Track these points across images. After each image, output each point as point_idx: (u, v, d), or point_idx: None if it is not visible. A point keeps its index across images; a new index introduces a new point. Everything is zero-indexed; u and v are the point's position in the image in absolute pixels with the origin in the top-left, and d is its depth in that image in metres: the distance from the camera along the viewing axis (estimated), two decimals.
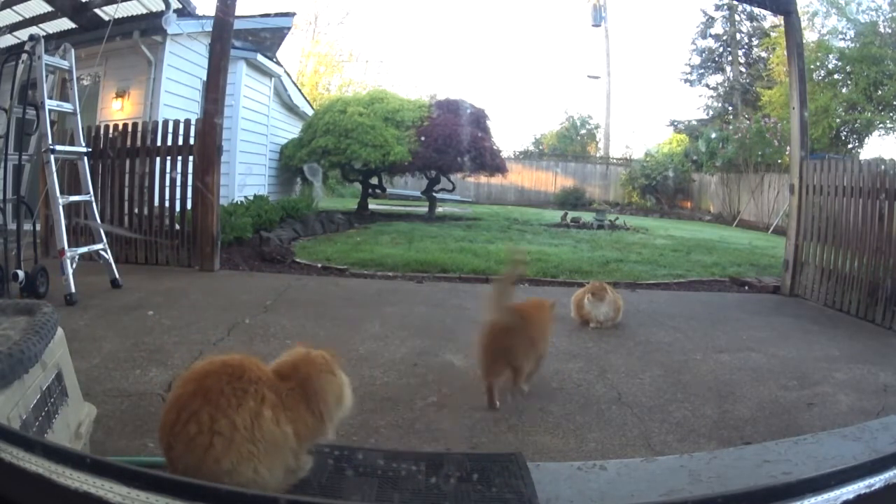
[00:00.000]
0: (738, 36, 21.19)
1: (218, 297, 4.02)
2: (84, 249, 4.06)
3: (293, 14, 10.65)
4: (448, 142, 9.93)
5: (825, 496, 0.66)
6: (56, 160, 3.86)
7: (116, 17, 6.80)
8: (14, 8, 6.64)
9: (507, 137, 39.86)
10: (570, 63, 45.89)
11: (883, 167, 4.20)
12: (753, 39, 20.85)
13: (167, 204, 5.15)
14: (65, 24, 7.26)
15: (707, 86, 22.16)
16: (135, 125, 5.26)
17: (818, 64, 14.18)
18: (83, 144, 4.25)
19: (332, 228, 8.42)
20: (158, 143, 5.14)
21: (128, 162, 5.18)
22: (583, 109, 28.19)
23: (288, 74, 11.03)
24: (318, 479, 1.53)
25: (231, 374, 1.33)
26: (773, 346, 3.40)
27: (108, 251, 4.15)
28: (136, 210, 5.19)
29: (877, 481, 0.67)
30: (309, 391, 1.42)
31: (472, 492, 1.55)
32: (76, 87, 4.14)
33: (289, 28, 10.92)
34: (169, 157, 5.13)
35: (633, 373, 2.83)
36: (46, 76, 3.77)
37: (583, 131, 22.85)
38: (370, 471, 1.62)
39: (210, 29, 5.39)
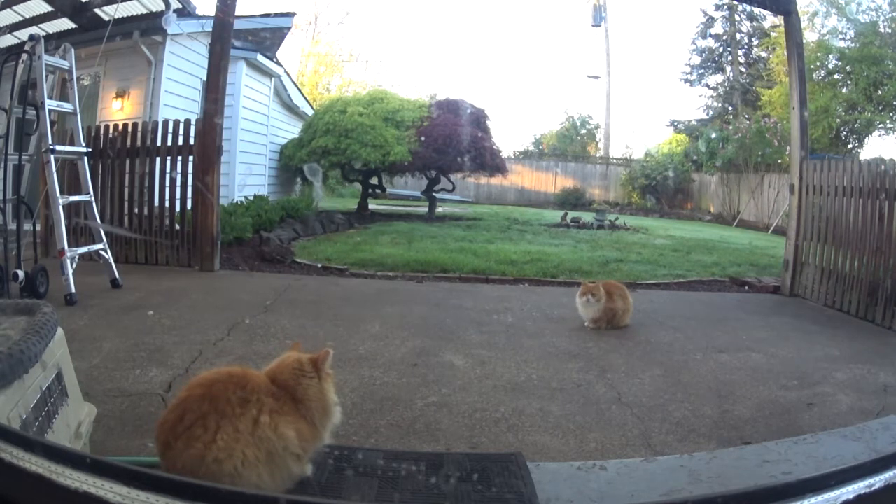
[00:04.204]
0: (738, 36, 21.20)
1: (218, 297, 4.02)
2: (84, 249, 4.07)
3: (293, 14, 10.67)
4: (448, 142, 9.94)
5: (825, 496, 0.66)
6: (56, 160, 3.86)
7: (116, 17, 6.81)
8: (14, 8, 6.65)
9: (507, 137, 40.02)
10: (570, 63, 46.06)
11: (883, 167, 4.20)
12: (753, 39, 20.86)
13: (167, 204, 5.15)
14: (65, 24, 7.27)
15: (707, 86, 22.21)
16: (135, 125, 5.26)
17: (818, 64, 14.18)
18: (83, 144, 4.25)
19: (332, 228, 8.42)
20: (158, 143, 5.13)
21: (128, 162, 5.18)
22: (583, 109, 28.33)
23: (288, 74, 11.03)
24: (318, 479, 1.53)
25: (236, 384, 1.37)
26: (773, 346, 3.40)
27: (108, 251, 4.15)
28: (136, 210, 5.19)
29: (877, 481, 0.67)
30: (294, 398, 1.43)
31: (472, 492, 1.55)
32: (76, 87, 4.14)
33: (289, 28, 10.93)
34: (169, 157, 5.13)
35: (633, 373, 2.83)
36: (46, 76, 3.76)
37: (583, 131, 22.87)
38: (370, 471, 1.62)
39: (210, 29, 5.39)
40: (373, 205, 11.91)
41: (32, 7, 6.75)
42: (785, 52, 5.85)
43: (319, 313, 3.71)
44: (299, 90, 12.76)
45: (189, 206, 5.08)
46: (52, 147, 3.81)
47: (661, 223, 12.74)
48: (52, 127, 3.91)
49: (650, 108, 46.72)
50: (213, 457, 1.26)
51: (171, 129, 5.11)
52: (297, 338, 3.12)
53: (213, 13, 5.26)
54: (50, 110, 3.82)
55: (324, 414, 1.46)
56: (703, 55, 21.94)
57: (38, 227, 4.23)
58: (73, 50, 4.05)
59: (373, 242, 6.99)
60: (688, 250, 7.57)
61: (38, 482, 0.64)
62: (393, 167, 10.15)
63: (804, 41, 7.79)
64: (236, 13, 5.20)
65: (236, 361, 2.47)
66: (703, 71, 22.08)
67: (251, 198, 7.40)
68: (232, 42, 5.46)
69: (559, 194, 17.78)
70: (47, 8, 6.89)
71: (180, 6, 7.43)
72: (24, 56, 3.69)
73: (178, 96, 7.48)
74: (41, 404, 1.31)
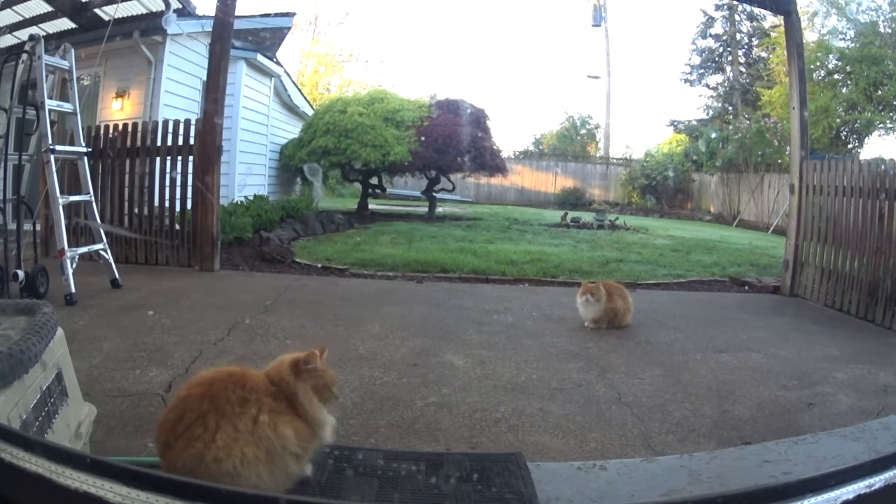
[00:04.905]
0: (738, 36, 21.19)
1: (218, 297, 4.02)
2: (84, 249, 4.06)
3: (293, 14, 10.67)
4: (448, 142, 9.94)
5: (825, 496, 0.66)
6: (56, 160, 3.86)
7: (116, 17, 6.81)
8: (14, 8, 6.64)
9: (507, 137, 40.02)
10: (570, 63, 46.08)
11: (883, 167, 4.20)
12: (753, 39, 20.86)
13: (167, 204, 5.15)
14: (65, 24, 7.27)
15: (707, 86, 22.21)
16: (135, 125, 5.26)
17: (818, 64, 14.18)
18: (83, 144, 4.25)
19: (332, 228, 8.42)
20: (158, 143, 5.13)
21: (128, 162, 5.18)
22: (583, 109, 28.33)
23: (288, 74, 11.03)
24: (318, 479, 1.53)
25: (236, 383, 1.37)
26: (773, 346, 3.40)
27: (108, 251, 4.15)
28: (136, 210, 5.19)
29: (877, 481, 0.67)
30: (289, 397, 1.43)
31: (472, 492, 1.55)
32: (76, 87, 4.14)
33: (289, 28, 10.93)
34: (169, 157, 5.13)
35: (633, 373, 2.83)
36: (46, 76, 3.76)
37: (583, 131, 22.86)
38: (370, 471, 1.62)
39: (210, 29, 5.39)
40: (373, 205, 11.91)
41: (32, 7, 6.75)
42: (785, 52, 5.85)
43: (319, 313, 3.71)
44: (299, 90, 12.76)
45: (189, 206, 5.08)
46: (52, 147, 3.80)
47: (661, 223, 12.74)
48: (52, 127, 3.91)
49: (650, 108, 46.79)
50: (212, 456, 1.26)
51: (171, 129, 5.11)
52: (297, 338, 3.12)
53: (213, 13, 5.27)
54: (50, 110, 3.82)
55: (307, 415, 1.43)
56: (703, 55, 21.94)
57: (38, 227, 4.23)
58: (73, 50, 4.05)
59: (373, 242, 6.99)
60: (688, 250, 7.57)
61: (38, 482, 0.64)
62: (393, 167, 10.15)
63: (804, 41, 7.79)
64: (236, 13, 5.20)
65: (236, 361, 2.47)
66: (703, 71, 22.08)
67: (251, 198, 7.40)
68: (232, 42, 5.46)
69: (559, 194, 17.77)
70: (47, 8, 6.89)
71: (180, 6, 7.43)
72: (24, 56, 3.69)
73: (178, 96, 7.48)
74: (41, 404, 1.31)
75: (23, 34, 5.77)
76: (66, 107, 4.10)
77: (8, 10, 6.56)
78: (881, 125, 13.91)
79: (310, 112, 12.23)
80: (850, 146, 14.19)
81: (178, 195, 5.14)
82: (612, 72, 21.26)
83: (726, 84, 21.60)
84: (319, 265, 5.50)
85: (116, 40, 6.38)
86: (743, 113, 19.19)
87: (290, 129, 11.68)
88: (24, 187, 3.89)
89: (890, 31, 13.82)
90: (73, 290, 3.60)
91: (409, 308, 3.97)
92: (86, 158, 4.20)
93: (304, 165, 10.36)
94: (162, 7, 7.13)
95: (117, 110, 7.22)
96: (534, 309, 4.11)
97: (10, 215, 3.69)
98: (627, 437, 2.12)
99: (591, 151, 21.93)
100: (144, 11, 7.24)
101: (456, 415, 2.25)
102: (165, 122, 5.17)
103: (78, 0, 6.85)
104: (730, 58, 21.34)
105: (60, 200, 3.81)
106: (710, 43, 21.84)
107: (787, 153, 11.93)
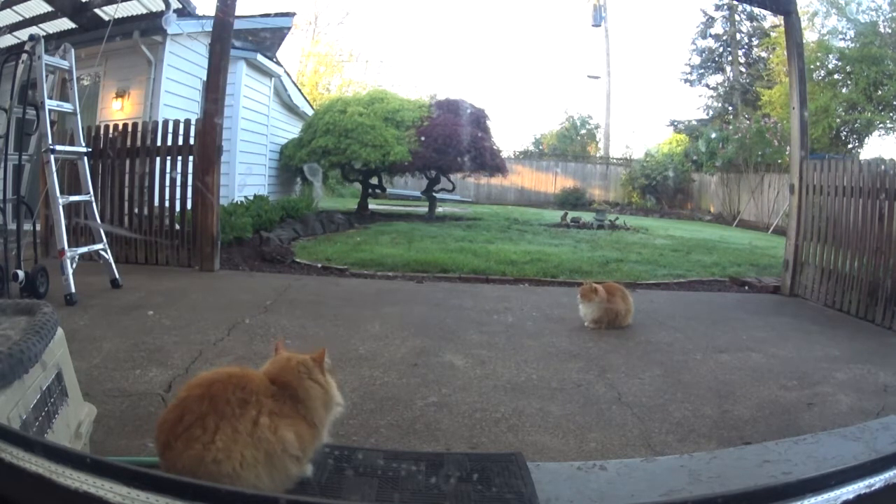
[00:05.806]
0: (738, 36, 21.20)
1: (218, 297, 4.02)
2: (84, 249, 4.06)
3: (293, 14, 10.67)
4: (448, 142, 9.94)
5: (825, 496, 0.66)
6: (56, 160, 3.86)
7: (116, 17, 6.81)
8: (14, 8, 6.65)
9: (507, 137, 40.04)
10: (570, 63, 46.13)
11: (883, 167, 4.20)
12: (753, 39, 20.86)
13: (167, 204, 5.15)
14: (65, 24, 7.28)
15: (707, 86, 22.21)
16: (135, 125, 5.26)
17: (818, 64, 14.18)
18: (83, 144, 4.25)
19: (332, 228, 8.42)
20: (158, 143, 5.13)
21: (128, 162, 5.18)
22: (583, 109, 28.35)
23: (288, 74, 11.03)
24: (318, 479, 1.53)
25: (236, 384, 1.37)
26: (773, 346, 3.40)
27: (108, 251, 4.15)
28: (136, 210, 5.19)
29: (877, 481, 0.67)
30: (294, 399, 1.43)
31: (472, 492, 1.55)
32: (76, 87, 4.14)
33: (289, 28, 10.93)
34: (169, 157, 5.13)
35: (633, 373, 2.83)
36: (46, 76, 3.76)
37: (583, 131, 22.87)
38: (370, 471, 1.62)
39: (210, 29, 5.39)
40: (373, 205, 11.91)
41: (32, 7, 6.75)
42: (785, 52, 5.85)
43: (319, 313, 3.71)
44: (299, 90, 12.76)
45: (189, 206, 5.08)
46: (52, 147, 3.80)
47: (661, 223, 12.74)
48: (52, 127, 3.91)
49: (650, 108, 46.83)
50: (212, 457, 1.26)
51: (171, 129, 5.11)
52: (297, 338, 3.13)
53: (213, 13, 5.27)
54: (50, 110, 3.82)
55: (327, 412, 1.46)
56: (703, 55, 21.94)
57: (38, 227, 4.22)
58: (73, 50, 4.05)
59: (373, 242, 6.99)
60: (688, 250, 7.57)
61: (38, 482, 0.64)
62: (393, 167, 10.15)
63: (804, 41, 7.79)
64: (236, 13, 5.20)
65: (236, 361, 2.47)
66: (703, 71, 22.08)
67: (251, 198, 7.40)
68: (232, 42, 5.46)
69: (559, 194, 17.77)
70: (47, 8, 6.89)
71: (180, 6, 7.43)
72: (24, 56, 3.69)
73: (178, 96, 7.48)
74: (41, 404, 1.31)
75: (23, 34, 5.77)
76: (66, 107, 4.10)
77: (8, 10, 6.56)
78: (881, 125, 13.91)
79: (310, 112, 12.23)
80: (850, 146, 14.19)
81: (178, 195, 5.14)
82: (612, 72, 21.28)
83: (726, 84, 21.61)
84: (319, 265, 5.50)
85: (116, 40, 6.37)
86: (743, 113, 19.18)
87: (290, 129, 11.68)
88: (24, 187, 3.89)
89: (890, 31, 13.82)
90: (73, 290, 3.60)
91: (409, 308, 3.97)
92: (86, 158, 4.20)
93: (304, 165, 10.36)
94: (162, 7, 7.13)
95: (117, 110, 7.22)
96: (534, 309, 4.11)
97: (10, 215, 3.69)
98: (627, 437, 2.12)
99: (591, 151, 21.94)
100: (144, 11, 7.24)
101: (456, 415, 2.25)
102: (165, 122, 5.17)
103: (78, 0, 6.85)
104: (730, 58, 21.34)
105: (60, 200, 3.81)
106: (710, 43, 21.86)
107: (787, 153, 11.93)
